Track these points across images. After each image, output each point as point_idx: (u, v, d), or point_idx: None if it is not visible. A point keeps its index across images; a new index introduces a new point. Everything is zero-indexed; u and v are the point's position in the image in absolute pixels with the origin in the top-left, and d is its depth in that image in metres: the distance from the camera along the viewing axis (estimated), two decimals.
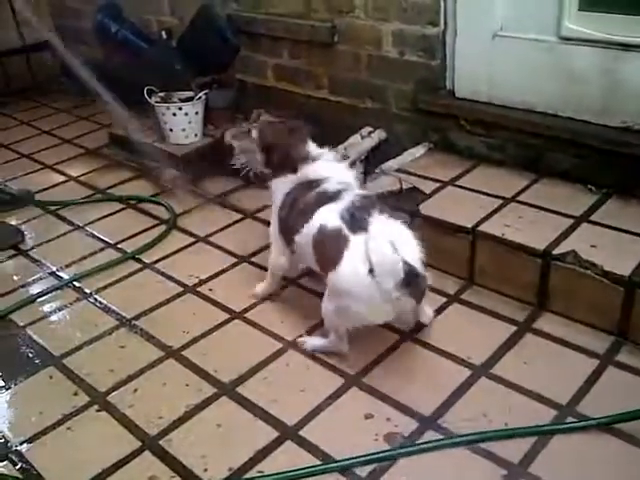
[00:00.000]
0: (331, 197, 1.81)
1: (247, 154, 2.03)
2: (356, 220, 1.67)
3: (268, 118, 2.08)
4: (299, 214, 1.86)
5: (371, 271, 1.59)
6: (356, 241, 1.64)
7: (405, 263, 1.56)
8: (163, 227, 2.62)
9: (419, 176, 2.40)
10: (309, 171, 1.91)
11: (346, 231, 1.68)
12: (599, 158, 2.17)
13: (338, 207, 1.76)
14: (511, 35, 2.32)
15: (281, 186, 1.95)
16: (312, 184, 1.87)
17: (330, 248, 1.72)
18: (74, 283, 2.31)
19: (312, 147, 1.97)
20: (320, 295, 2.12)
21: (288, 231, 1.93)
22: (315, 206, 1.82)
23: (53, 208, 2.83)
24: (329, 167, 1.93)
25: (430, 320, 1.95)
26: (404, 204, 2.24)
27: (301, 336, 1.96)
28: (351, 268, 1.64)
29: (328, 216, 1.76)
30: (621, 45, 2.08)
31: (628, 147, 2.09)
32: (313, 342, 1.92)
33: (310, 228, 1.81)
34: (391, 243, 1.55)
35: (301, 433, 1.65)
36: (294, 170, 1.91)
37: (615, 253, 1.89)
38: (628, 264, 1.83)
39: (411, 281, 1.59)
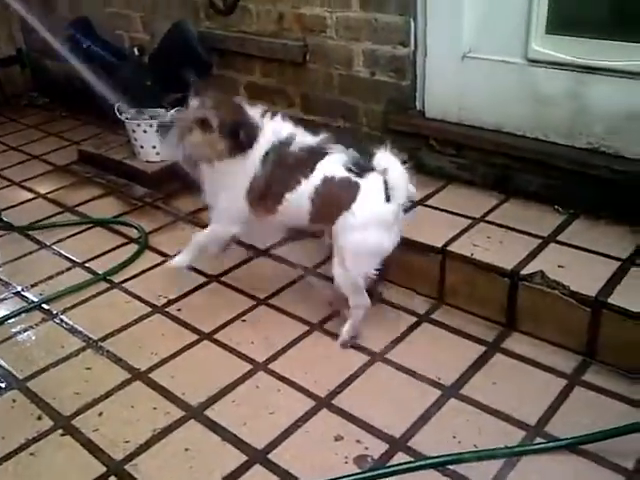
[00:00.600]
0: (319, 151, 1.92)
1: (199, 148, 1.95)
2: (361, 167, 1.87)
3: (202, 101, 1.96)
4: (291, 171, 1.91)
5: (387, 199, 1.84)
6: (367, 182, 1.85)
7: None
8: (131, 246, 2.58)
9: None
10: (273, 133, 1.95)
11: (354, 178, 1.86)
12: (566, 179, 2.20)
13: (337, 160, 1.89)
14: (480, 57, 2.36)
15: (251, 158, 1.94)
16: (285, 144, 1.93)
17: (339, 196, 1.86)
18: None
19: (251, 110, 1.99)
20: (291, 315, 2.13)
21: (273, 192, 1.95)
22: (310, 161, 1.90)
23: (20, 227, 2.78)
24: (281, 125, 1.99)
25: None
26: None
27: (339, 336, 1.99)
28: (369, 200, 1.84)
29: (331, 168, 1.88)
30: (587, 68, 2.13)
31: (594, 168, 2.13)
32: (347, 332, 1.97)
33: (311, 182, 1.89)
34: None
35: (270, 456, 1.63)
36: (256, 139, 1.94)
37: (582, 273, 1.91)
38: (595, 284, 1.85)
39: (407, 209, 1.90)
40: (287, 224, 2.13)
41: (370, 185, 1.85)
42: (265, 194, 1.96)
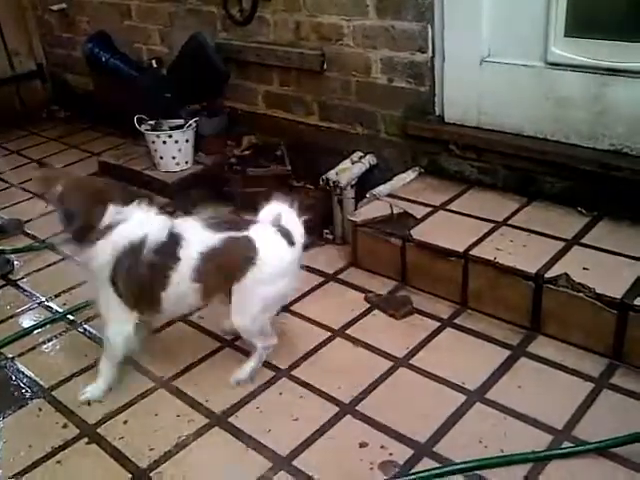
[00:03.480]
0: (174, 237, 1.76)
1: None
2: (230, 224, 1.84)
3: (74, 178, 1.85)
4: (157, 271, 1.75)
5: (291, 243, 1.79)
6: (257, 233, 1.78)
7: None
8: None
9: (410, 201, 2.40)
10: (124, 235, 1.73)
11: (240, 234, 1.77)
12: (589, 181, 2.18)
13: (198, 230, 1.78)
14: (498, 61, 2.35)
15: (107, 250, 1.73)
16: (136, 246, 1.73)
17: (233, 258, 1.76)
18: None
19: (119, 209, 1.75)
20: (313, 321, 2.12)
21: (144, 297, 1.79)
22: (169, 258, 1.75)
23: (45, 239, 2.81)
24: (140, 225, 1.76)
25: None
26: (395, 229, 2.25)
27: (237, 384, 1.88)
28: (272, 251, 1.78)
29: (200, 240, 1.76)
30: (607, 70, 2.11)
31: (617, 170, 2.11)
32: (249, 372, 1.88)
33: (183, 269, 1.75)
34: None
35: (295, 463, 1.62)
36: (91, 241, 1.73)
37: (607, 275, 1.89)
38: (620, 286, 1.83)
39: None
40: (177, 313, 1.99)
41: (263, 235, 1.77)
42: (136, 299, 1.79)
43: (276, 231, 1.79)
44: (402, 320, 2.10)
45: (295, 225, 1.81)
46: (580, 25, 2.17)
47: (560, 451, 1.59)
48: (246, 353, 2.00)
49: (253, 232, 1.78)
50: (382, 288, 2.26)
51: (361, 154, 2.72)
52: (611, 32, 2.11)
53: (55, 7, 3.97)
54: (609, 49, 2.11)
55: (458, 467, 1.57)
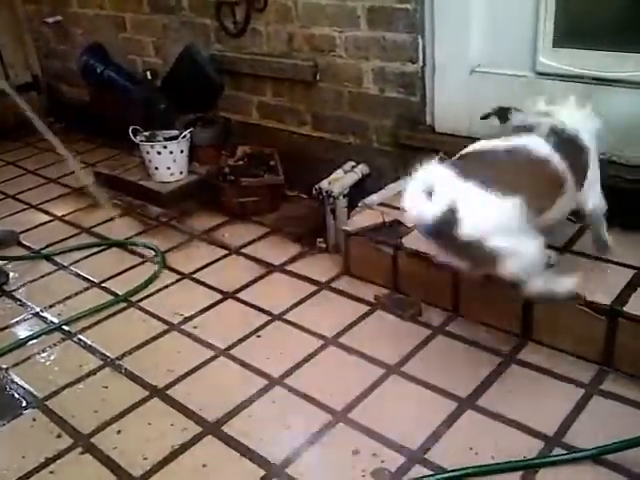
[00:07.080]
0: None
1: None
2: None
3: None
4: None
5: None
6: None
7: None
8: (147, 265, 2.61)
9: (402, 210, 2.41)
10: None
11: None
12: None
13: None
14: (488, 71, 2.38)
15: None
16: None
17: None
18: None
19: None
20: (306, 329, 2.13)
21: None
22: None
23: (40, 250, 2.82)
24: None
25: None
26: (387, 237, 2.27)
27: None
28: None
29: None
30: (595, 79, 2.14)
31: (606, 178, 2.12)
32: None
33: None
34: None
35: (288, 471, 1.63)
36: None
37: (597, 282, 1.90)
38: (610, 293, 1.85)
39: None
40: None
41: None
42: None
43: None
44: (393, 328, 2.11)
45: None
46: (568, 36, 2.20)
47: (552, 458, 1.59)
48: (241, 363, 2.02)
49: None
50: (374, 296, 2.28)
51: (353, 163, 2.74)
52: (599, 42, 2.14)
53: (50, 19, 3.99)
54: (597, 59, 2.13)
55: (449, 474, 1.57)
